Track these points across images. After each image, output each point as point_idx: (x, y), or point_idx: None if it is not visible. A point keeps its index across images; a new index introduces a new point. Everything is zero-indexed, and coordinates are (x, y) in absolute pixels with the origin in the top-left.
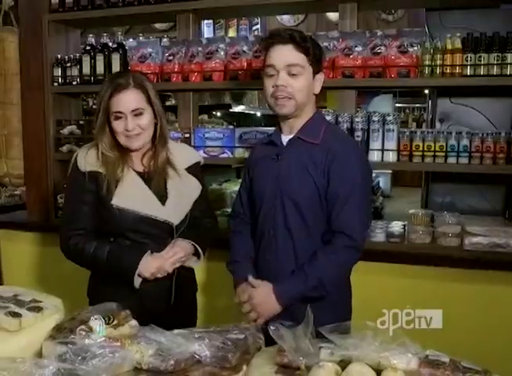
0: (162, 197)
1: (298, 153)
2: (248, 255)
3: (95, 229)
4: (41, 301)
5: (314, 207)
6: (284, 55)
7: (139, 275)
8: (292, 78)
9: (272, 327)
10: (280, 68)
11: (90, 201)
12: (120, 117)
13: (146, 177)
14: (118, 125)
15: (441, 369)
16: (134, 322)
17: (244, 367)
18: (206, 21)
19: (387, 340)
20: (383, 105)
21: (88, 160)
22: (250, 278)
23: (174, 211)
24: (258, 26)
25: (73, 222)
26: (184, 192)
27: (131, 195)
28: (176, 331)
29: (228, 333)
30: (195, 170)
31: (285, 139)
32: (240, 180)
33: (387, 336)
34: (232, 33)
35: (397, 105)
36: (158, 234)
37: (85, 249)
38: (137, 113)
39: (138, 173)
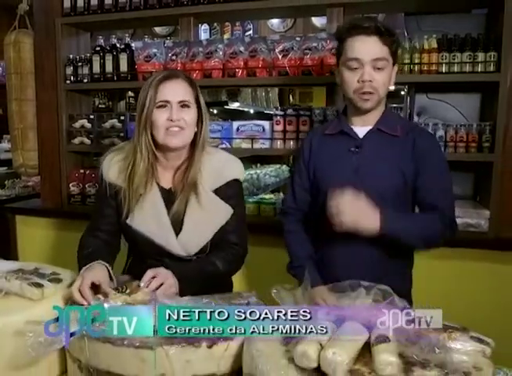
0: (179, 224)
1: (380, 144)
2: (310, 257)
3: (114, 234)
4: (59, 274)
5: (400, 198)
6: (370, 48)
7: None
8: (376, 72)
9: (274, 290)
10: (366, 62)
11: (110, 214)
12: (165, 106)
13: (169, 196)
14: (161, 115)
15: None
16: (146, 290)
17: None
18: (203, 27)
19: (378, 298)
20: None
21: (112, 170)
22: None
23: (189, 244)
24: (251, 32)
25: (92, 228)
26: (205, 221)
27: (147, 219)
28: (186, 297)
29: (232, 299)
30: (226, 190)
31: (360, 130)
32: None
33: (378, 294)
34: (226, 37)
35: None
36: (174, 257)
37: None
38: (183, 104)
39: (163, 190)
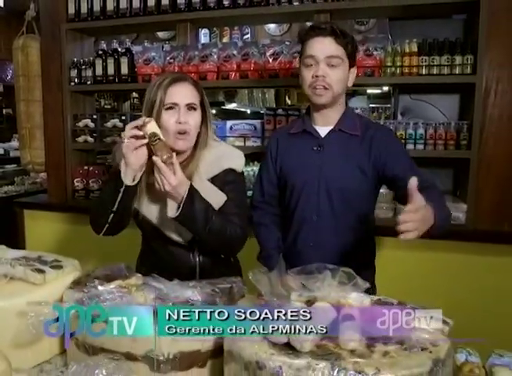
0: None
1: (341, 143)
2: (278, 247)
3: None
4: (61, 261)
5: (360, 193)
6: (325, 47)
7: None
8: (331, 69)
9: (251, 274)
10: (320, 59)
11: None
12: (173, 108)
13: None
14: (169, 117)
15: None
16: (139, 275)
17: None
18: (203, 31)
19: (343, 280)
20: (358, 105)
21: None
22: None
23: (182, 228)
24: (248, 35)
25: None
26: None
27: (152, 206)
28: (174, 281)
29: (217, 284)
30: (224, 177)
31: (322, 130)
32: None
33: (343, 276)
34: (225, 41)
35: (371, 105)
36: (176, 244)
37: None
38: (190, 107)
39: None
